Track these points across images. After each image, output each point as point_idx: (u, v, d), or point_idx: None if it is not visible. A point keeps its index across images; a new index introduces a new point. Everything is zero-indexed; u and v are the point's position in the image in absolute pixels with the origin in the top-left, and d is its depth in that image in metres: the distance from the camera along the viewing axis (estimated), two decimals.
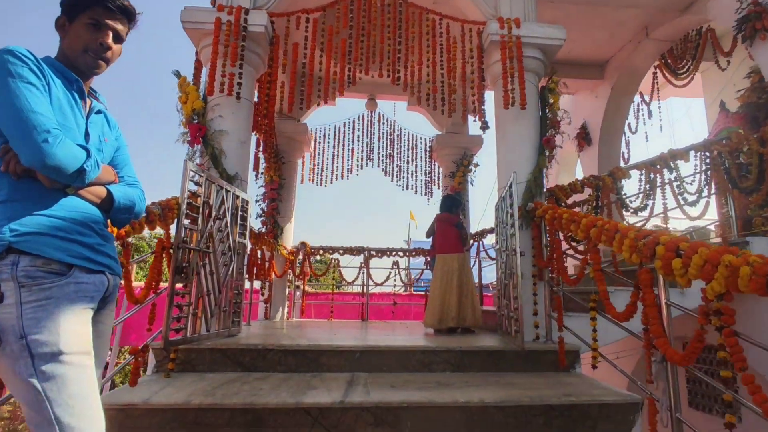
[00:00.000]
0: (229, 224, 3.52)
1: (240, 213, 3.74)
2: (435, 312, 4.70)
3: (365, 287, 6.78)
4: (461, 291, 4.59)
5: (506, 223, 3.66)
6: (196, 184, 3.04)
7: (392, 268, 6.86)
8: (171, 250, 2.78)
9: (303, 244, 6.78)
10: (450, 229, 4.87)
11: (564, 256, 3.43)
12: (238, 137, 3.95)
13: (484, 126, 5.97)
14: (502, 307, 3.84)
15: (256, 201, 6.64)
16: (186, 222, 2.88)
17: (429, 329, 4.74)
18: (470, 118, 7.24)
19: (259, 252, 5.68)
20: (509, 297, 3.55)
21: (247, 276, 4.83)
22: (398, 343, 3.34)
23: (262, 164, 6.42)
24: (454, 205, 5.00)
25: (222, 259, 3.45)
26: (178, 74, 4.01)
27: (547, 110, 4.30)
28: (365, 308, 6.72)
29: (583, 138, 7.65)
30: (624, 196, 4.32)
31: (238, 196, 3.69)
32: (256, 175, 6.49)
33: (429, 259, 6.87)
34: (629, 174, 4.34)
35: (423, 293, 7.35)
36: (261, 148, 6.12)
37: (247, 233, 3.90)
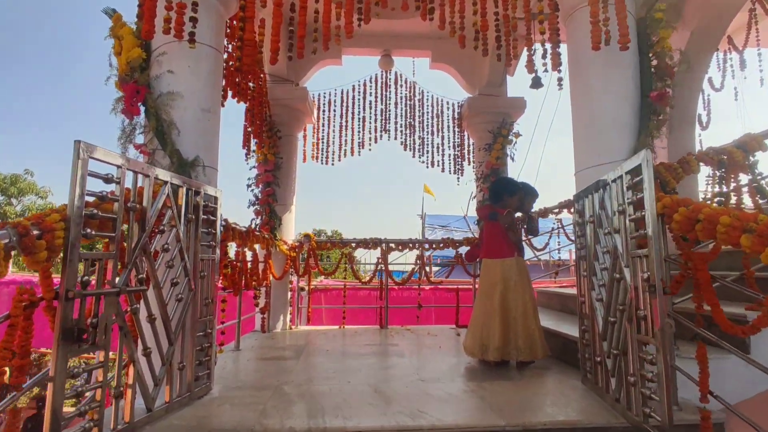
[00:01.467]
0: (182, 235, 2.30)
1: (203, 216, 2.52)
2: (475, 336, 3.52)
3: (384, 287, 5.59)
4: (506, 312, 3.36)
5: (605, 225, 2.38)
6: (108, 180, 1.81)
7: (416, 264, 5.63)
8: (58, 302, 1.58)
9: (307, 236, 5.57)
10: (493, 226, 3.60)
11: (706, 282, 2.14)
12: (198, 103, 2.69)
13: (535, 83, 4.62)
14: (590, 346, 2.61)
15: (248, 186, 5.42)
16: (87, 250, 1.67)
17: (472, 358, 3.55)
18: (508, 76, 5.85)
19: (249, 253, 4.51)
20: (611, 338, 2.30)
21: (229, 292, 3.67)
22: (445, 423, 2.13)
23: (254, 141, 5.17)
24: (504, 191, 3.69)
25: (173, 292, 2.26)
26: (110, 13, 2.73)
27: (651, 54, 2.95)
28: (384, 313, 5.55)
29: None
30: (761, 178, 2.98)
31: (198, 192, 2.47)
32: (247, 154, 5.27)
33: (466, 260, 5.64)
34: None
35: (454, 288, 6.13)
36: (249, 120, 4.87)
37: (217, 241, 2.69)
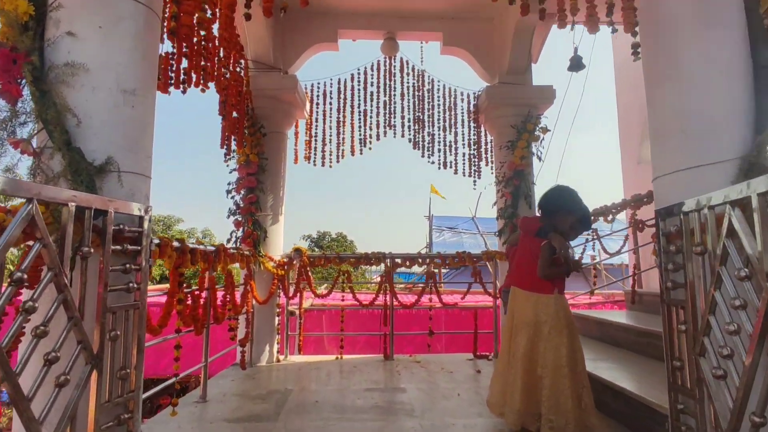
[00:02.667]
0: (70, 280, 1.47)
1: (117, 246, 1.68)
2: (495, 391, 2.72)
3: (388, 310, 4.75)
4: (531, 365, 2.51)
5: (738, 264, 1.50)
6: None
7: (428, 285, 4.77)
8: None
9: (298, 251, 4.73)
10: (535, 246, 2.72)
11: None
12: (115, 81, 1.85)
13: (576, 63, 3.77)
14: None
15: (228, 192, 4.59)
16: None
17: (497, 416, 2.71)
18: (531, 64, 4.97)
19: (223, 275, 3.69)
20: None
21: (188, 330, 2.85)
22: None
23: (238, 143, 4.34)
24: (564, 206, 2.77)
25: (46, 375, 1.42)
26: None
27: (764, 12, 2.08)
28: (389, 341, 4.70)
29: None
30: None
31: (104, 211, 1.63)
32: (227, 155, 4.45)
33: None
34: None
35: (471, 309, 5.27)
36: (225, 114, 4.04)
37: (144, 278, 1.85)
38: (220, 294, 3.59)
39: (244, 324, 4.23)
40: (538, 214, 2.86)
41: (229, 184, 4.62)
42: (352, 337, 5.59)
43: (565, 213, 2.77)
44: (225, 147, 4.28)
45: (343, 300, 5.48)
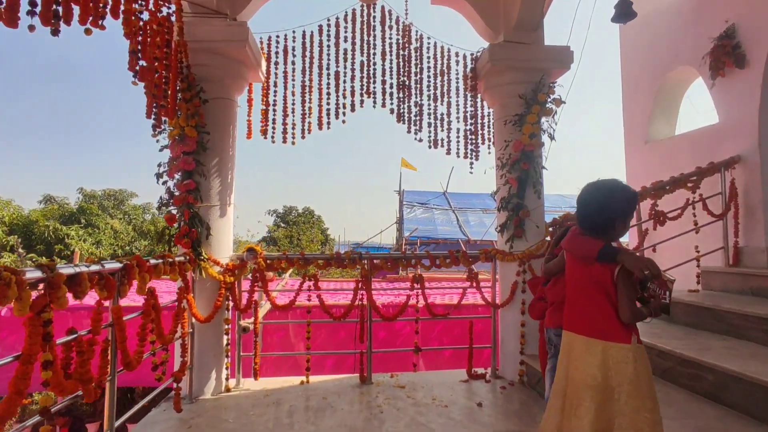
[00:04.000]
0: None
1: None
2: None
3: (366, 322, 3.85)
4: None
5: None
6: None
7: (414, 290, 3.88)
8: None
9: (251, 251, 3.72)
10: (594, 272, 1.84)
11: None
12: None
13: (623, 10, 2.91)
14: None
15: (158, 177, 3.52)
16: None
17: None
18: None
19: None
20: None
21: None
22: None
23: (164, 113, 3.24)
24: (617, 211, 1.90)
25: None
26: None
27: None
28: (366, 361, 3.83)
29: (727, 54, 4.50)
30: None
31: None
32: (155, 127, 3.37)
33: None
34: None
35: (468, 319, 4.46)
36: (141, 72, 2.92)
37: None
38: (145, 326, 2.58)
39: (180, 351, 3.25)
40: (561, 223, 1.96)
41: (159, 165, 3.54)
42: (322, 350, 4.68)
43: (623, 219, 1.92)
44: (153, 117, 3.19)
45: (309, 300, 4.54)
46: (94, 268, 2.01)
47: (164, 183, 3.54)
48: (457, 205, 22.78)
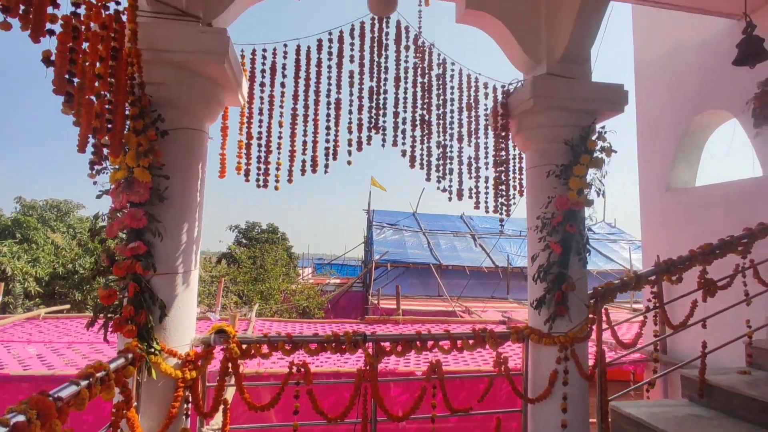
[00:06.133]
0: None
1: None
2: None
3: (369, 422, 2.96)
4: None
5: None
6: None
7: (429, 378, 3.03)
8: None
9: (221, 333, 2.78)
10: None
11: None
12: None
13: (752, 51, 2.20)
14: None
15: (92, 234, 2.55)
16: None
17: None
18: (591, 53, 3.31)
19: None
20: None
21: None
22: None
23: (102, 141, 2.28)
24: None
25: None
26: None
27: None
28: None
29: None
30: None
31: None
32: (94, 165, 2.41)
33: None
34: None
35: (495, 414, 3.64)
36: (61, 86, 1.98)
37: None
38: None
39: None
40: None
41: (96, 218, 2.57)
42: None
43: None
44: (93, 149, 2.23)
45: (296, 396, 3.60)
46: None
47: (101, 241, 2.56)
48: (428, 227, 22.24)
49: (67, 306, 8.96)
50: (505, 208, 3.42)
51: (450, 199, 3.30)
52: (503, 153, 3.43)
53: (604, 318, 3.47)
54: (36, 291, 13.98)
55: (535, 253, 3.23)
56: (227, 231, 24.40)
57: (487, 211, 3.39)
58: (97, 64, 2.08)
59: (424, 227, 22.01)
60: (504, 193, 3.43)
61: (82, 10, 1.93)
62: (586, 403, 3.20)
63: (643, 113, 5.78)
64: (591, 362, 3.37)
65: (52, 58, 1.72)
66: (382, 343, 3.01)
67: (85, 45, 1.98)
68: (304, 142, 3.12)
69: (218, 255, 22.33)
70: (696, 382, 3.61)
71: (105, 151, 2.29)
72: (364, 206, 23.13)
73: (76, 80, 1.87)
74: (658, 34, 5.57)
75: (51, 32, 1.65)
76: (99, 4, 2.09)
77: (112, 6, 2.22)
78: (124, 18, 2.33)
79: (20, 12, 1.49)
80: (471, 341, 3.14)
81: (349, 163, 3.10)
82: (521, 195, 3.48)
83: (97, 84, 2.09)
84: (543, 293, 3.16)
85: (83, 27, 1.93)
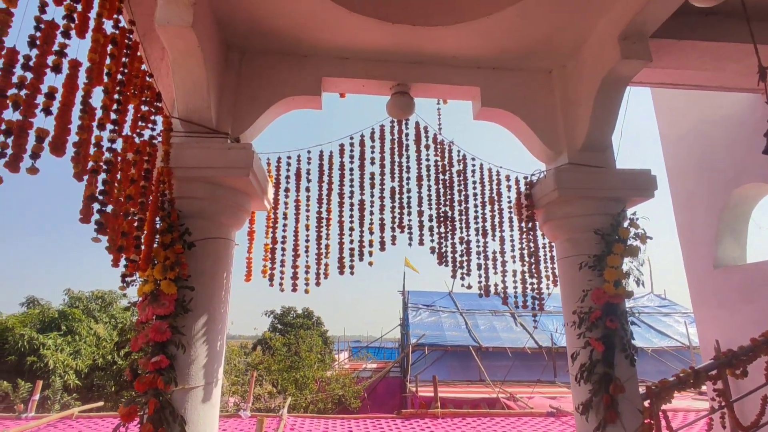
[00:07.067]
0: None
1: None
2: None
3: None
4: None
5: None
6: None
7: None
8: None
9: None
10: None
11: None
12: None
13: None
14: None
15: (118, 348, 2.56)
16: None
17: None
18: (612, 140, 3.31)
19: None
20: None
21: None
22: None
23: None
24: None
25: None
26: None
27: None
28: None
29: None
30: None
31: None
32: (126, 278, 2.46)
33: None
34: None
35: None
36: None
37: None
38: None
39: None
40: None
41: (121, 332, 2.59)
42: None
43: None
44: (125, 263, 2.30)
45: None
46: None
47: (126, 354, 2.56)
48: (465, 306, 21.53)
49: (101, 403, 8.90)
50: (538, 302, 3.26)
51: (480, 295, 3.18)
52: (531, 244, 3.34)
53: (662, 422, 3.12)
54: (75, 384, 14.03)
55: (575, 351, 3.01)
56: (263, 316, 24.40)
57: (517, 307, 3.23)
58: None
59: (461, 307, 21.32)
60: (536, 286, 3.28)
61: (118, 144, 2.07)
62: None
63: (677, 191, 5.62)
64: None
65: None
66: None
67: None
68: (328, 245, 3.13)
69: (254, 341, 22.18)
70: None
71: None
72: (399, 287, 22.81)
73: (107, 208, 1.96)
74: (682, 112, 5.56)
75: (96, 171, 1.76)
76: (133, 133, 2.26)
77: (147, 132, 2.40)
78: (157, 140, 2.50)
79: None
80: None
81: (370, 263, 3.07)
82: (555, 285, 3.32)
83: (128, 205, 2.20)
84: (589, 396, 2.88)
85: (119, 158, 2.06)
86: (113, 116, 1.98)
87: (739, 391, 3.79)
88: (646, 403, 3.01)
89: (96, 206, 1.89)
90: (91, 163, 1.84)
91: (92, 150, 1.84)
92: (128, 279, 2.44)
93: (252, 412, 7.24)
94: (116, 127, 1.98)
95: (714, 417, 3.47)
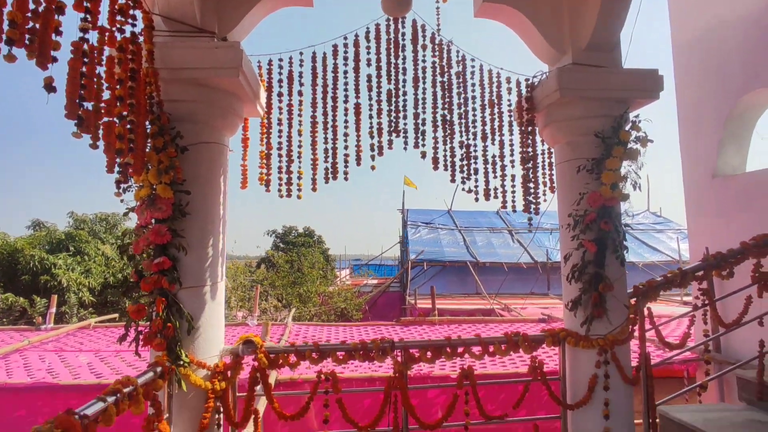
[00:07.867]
0: None
1: None
2: None
3: (399, 430, 2.91)
4: None
5: None
6: None
7: (460, 384, 2.94)
8: None
9: (249, 343, 2.80)
10: None
11: None
12: None
13: None
14: None
15: (121, 251, 2.62)
16: None
17: None
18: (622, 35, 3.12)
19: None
20: None
21: None
22: None
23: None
24: None
25: None
26: None
27: None
28: None
29: None
30: None
31: None
32: (120, 183, 2.45)
33: None
34: None
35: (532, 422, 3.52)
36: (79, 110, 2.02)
37: None
38: None
39: None
40: None
41: (123, 234, 2.64)
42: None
43: None
44: (118, 169, 2.28)
45: (326, 405, 3.59)
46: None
47: (130, 258, 2.63)
48: (463, 224, 21.88)
49: (116, 315, 9.37)
50: (534, 206, 3.28)
51: (476, 199, 3.20)
52: (530, 149, 3.29)
53: (647, 317, 3.27)
54: (90, 300, 14.67)
55: (568, 252, 3.09)
56: (265, 236, 24.95)
57: (514, 210, 3.26)
58: (117, 87, 2.12)
59: (460, 224, 21.68)
60: (533, 191, 3.29)
61: (93, 35, 1.95)
62: (631, 410, 3.03)
63: (683, 97, 5.45)
64: (635, 363, 3.19)
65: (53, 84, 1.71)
66: (411, 350, 2.94)
67: (100, 69, 2.02)
68: (326, 150, 3.09)
69: (258, 259, 22.87)
70: (754, 384, 3.36)
71: (129, 170, 2.34)
72: (399, 205, 23.03)
73: (87, 104, 1.89)
74: (696, 12, 5.24)
75: (55, 59, 1.65)
76: (113, 28, 2.13)
77: (128, 28, 2.26)
78: (140, 39, 2.37)
79: (25, 42, 1.51)
80: (503, 346, 3.03)
81: (372, 168, 3.06)
82: (552, 192, 3.33)
83: (118, 105, 2.13)
84: (578, 294, 3.00)
85: (95, 52, 1.95)
86: (86, 4, 1.85)
87: (723, 293, 3.95)
88: (633, 301, 3.14)
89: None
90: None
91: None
92: (123, 186, 2.44)
93: (259, 321, 7.63)
94: (88, 16, 1.85)
95: (696, 314, 3.64)
